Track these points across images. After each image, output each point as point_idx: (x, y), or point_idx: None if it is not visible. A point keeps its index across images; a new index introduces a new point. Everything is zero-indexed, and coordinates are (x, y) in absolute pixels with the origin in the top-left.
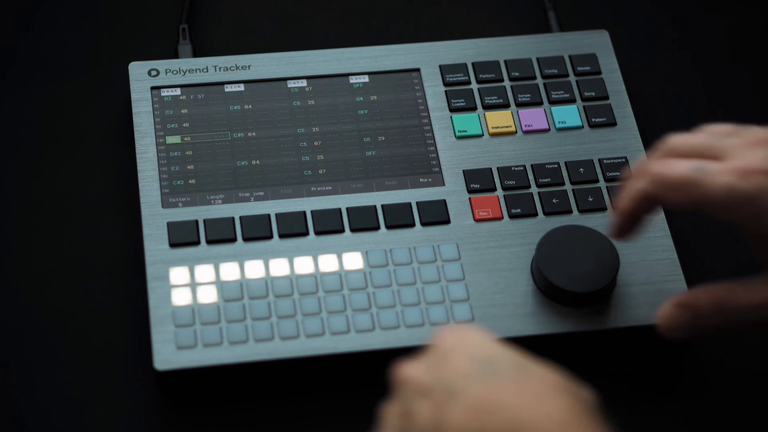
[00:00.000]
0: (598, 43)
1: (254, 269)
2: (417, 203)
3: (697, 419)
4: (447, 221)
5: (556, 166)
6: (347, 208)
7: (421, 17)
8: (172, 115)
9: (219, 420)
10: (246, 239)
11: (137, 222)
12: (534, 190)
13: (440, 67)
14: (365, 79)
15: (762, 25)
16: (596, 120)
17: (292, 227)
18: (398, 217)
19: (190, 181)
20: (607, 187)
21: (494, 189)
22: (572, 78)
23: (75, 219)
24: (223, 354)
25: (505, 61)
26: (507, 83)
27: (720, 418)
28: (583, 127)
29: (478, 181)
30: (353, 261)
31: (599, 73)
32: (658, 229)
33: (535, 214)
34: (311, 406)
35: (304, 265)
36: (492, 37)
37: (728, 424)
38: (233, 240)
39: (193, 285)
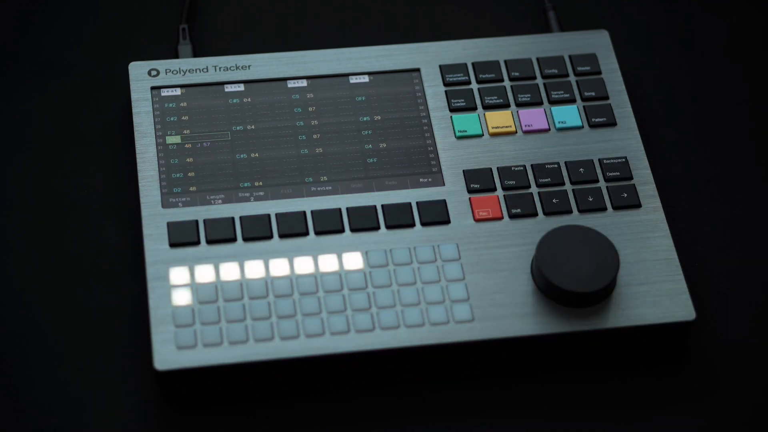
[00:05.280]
0: (598, 43)
1: (254, 269)
2: (417, 203)
3: (697, 419)
4: (447, 221)
5: (556, 166)
6: (347, 208)
7: (421, 17)
8: (172, 115)
9: (219, 420)
10: (246, 239)
11: (137, 222)
12: (534, 190)
13: (440, 67)
14: (365, 79)
15: (762, 25)
16: (596, 120)
17: (292, 227)
18: (398, 217)
19: (190, 181)
20: (607, 187)
21: (494, 189)
22: (572, 78)
23: (75, 219)
24: (223, 354)
25: (505, 61)
26: (507, 83)
27: (720, 417)
28: (583, 127)
29: (478, 181)
30: (353, 261)
31: (599, 73)
32: (658, 229)
33: (535, 214)
34: (311, 406)
35: (304, 265)
36: (492, 37)
37: (728, 424)
38: (233, 240)
39: (193, 285)
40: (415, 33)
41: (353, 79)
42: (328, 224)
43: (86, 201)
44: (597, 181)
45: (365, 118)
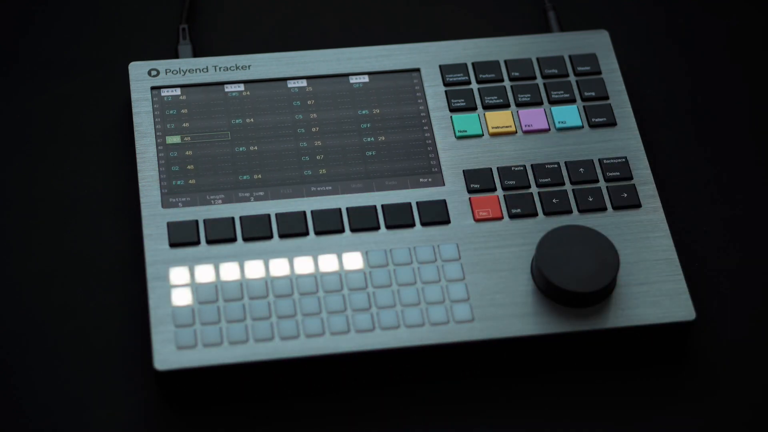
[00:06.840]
0: (598, 43)
1: (254, 269)
2: (417, 203)
3: (697, 419)
4: (447, 221)
5: (556, 166)
6: (347, 208)
7: (421, 17)
8: (172, 115)
9: (219, 420)
10: (246, 239)
11: (137, 222)
12: (534, 190)
13: (440, 67)
14: (365, 79)
15: (762, 25)
16: (596, 120)
17: (292, 227)
18: (398, 217)
19: (190, 181)
20: (607, 187)
21: (494, 189)
22: (572, 78)
23: (75, 219)
24: (223, 354)
25: (505, 61)
26: (507, 83)
27: (719, 417)
28: (583, 127)
29: (478, 181)
30: (353, 261)
31: (599, 73)
32: (658, 229)
33: (535, 214)
34: (311, 406)
35: (304, 265)
36: (492, 37)
37: (728, 424)
38: (233, 240)
39: (193, 285)
40: (415, 33)
41: (353, 79)
42: (328, 224)
43: (86, 201)
44: (597, 181)
45: (365, 119)
